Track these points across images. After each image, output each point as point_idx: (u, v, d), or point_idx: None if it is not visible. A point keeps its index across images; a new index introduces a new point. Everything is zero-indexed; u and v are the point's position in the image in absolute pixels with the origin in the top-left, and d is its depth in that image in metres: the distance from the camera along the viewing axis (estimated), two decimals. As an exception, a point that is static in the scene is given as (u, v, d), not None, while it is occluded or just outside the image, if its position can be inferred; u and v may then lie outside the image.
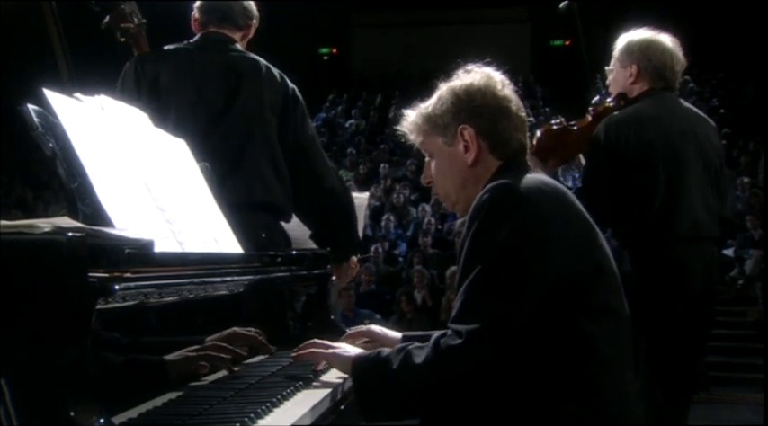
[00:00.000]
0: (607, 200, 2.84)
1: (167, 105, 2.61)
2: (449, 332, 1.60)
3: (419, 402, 1.64)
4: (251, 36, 2.91)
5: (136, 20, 2.81)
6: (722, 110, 15.11)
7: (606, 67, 3.10)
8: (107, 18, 2.78)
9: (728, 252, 10.23)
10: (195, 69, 2.71)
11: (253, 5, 2.89)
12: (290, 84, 2.82)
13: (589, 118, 3.06)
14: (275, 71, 2.81)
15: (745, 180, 11.86)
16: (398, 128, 1.95)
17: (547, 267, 1.59)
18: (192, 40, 2.82)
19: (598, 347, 1.61)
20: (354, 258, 3.00)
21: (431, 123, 1.85)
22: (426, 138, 1.88)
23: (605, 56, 3.18)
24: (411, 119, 1.89)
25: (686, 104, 3.06)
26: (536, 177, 1.73)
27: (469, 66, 1.87)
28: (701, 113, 3.09)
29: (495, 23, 20.56)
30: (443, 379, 1.58)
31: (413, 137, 1.91)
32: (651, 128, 2.86)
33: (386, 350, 1.69)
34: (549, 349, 1.59)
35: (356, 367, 1.68)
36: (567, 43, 18.90)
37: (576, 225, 1.69)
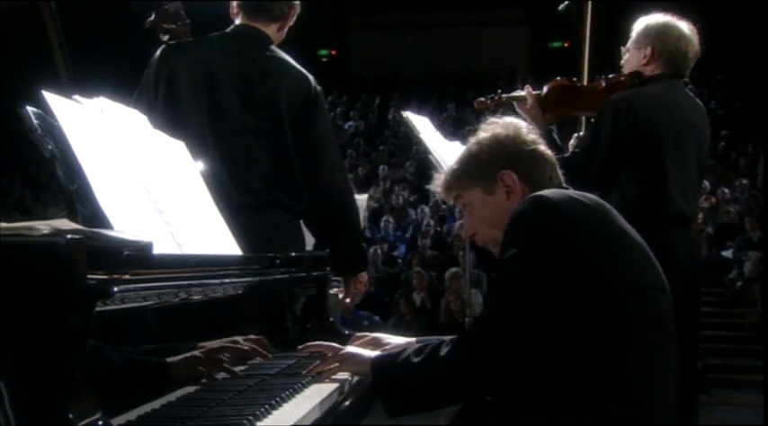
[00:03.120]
0: (594, 173, 2.98)
1: (181, 99, 2.60)
2: (471, 324, 1.65)
3: (443, 393, 1.72)
4: (291, 23, 2.82)
5: (180, 21, 2.80)
6: (721, 112, 15.13)
7: (622, 47, 3.18)
8: (152, 17, 2.77)
9: (727, 253, 10.23)
10: (212, 66, 2.67)
11: None
12: (315, 86, 2.75)
13: (603, 84, 3.13)
14: (298, 71, 2.75)
15: (744, 182, 11.84)
16: (430, 188, 2.03)
17: (576, 276, 1.62)
18: (222, 32, 2.77)
19: (637, 349, 1.64)
20: (365, 274, 2.92)
21: (467, 176, 1.91)
22: (463, 192, 1.93)
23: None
24: (443, 177, 1.96)
25: (691, 94, 3.21)
26: (579, 193, 1.79)
27: (492, 119, 1.94)
28: (701, 106, 3.22)
29: (494, 25, 20.57)
30: (467, 371, 1.66)
31: (446, 196, 1.98)
32: (659, 115, 2.97)
33: (406, 349, 1.75)
34: (585, 347, 1.62)
35: (375, 366, 1.74)
36: (567, 45, 18.90)
37: (614, 240, 1.72)
